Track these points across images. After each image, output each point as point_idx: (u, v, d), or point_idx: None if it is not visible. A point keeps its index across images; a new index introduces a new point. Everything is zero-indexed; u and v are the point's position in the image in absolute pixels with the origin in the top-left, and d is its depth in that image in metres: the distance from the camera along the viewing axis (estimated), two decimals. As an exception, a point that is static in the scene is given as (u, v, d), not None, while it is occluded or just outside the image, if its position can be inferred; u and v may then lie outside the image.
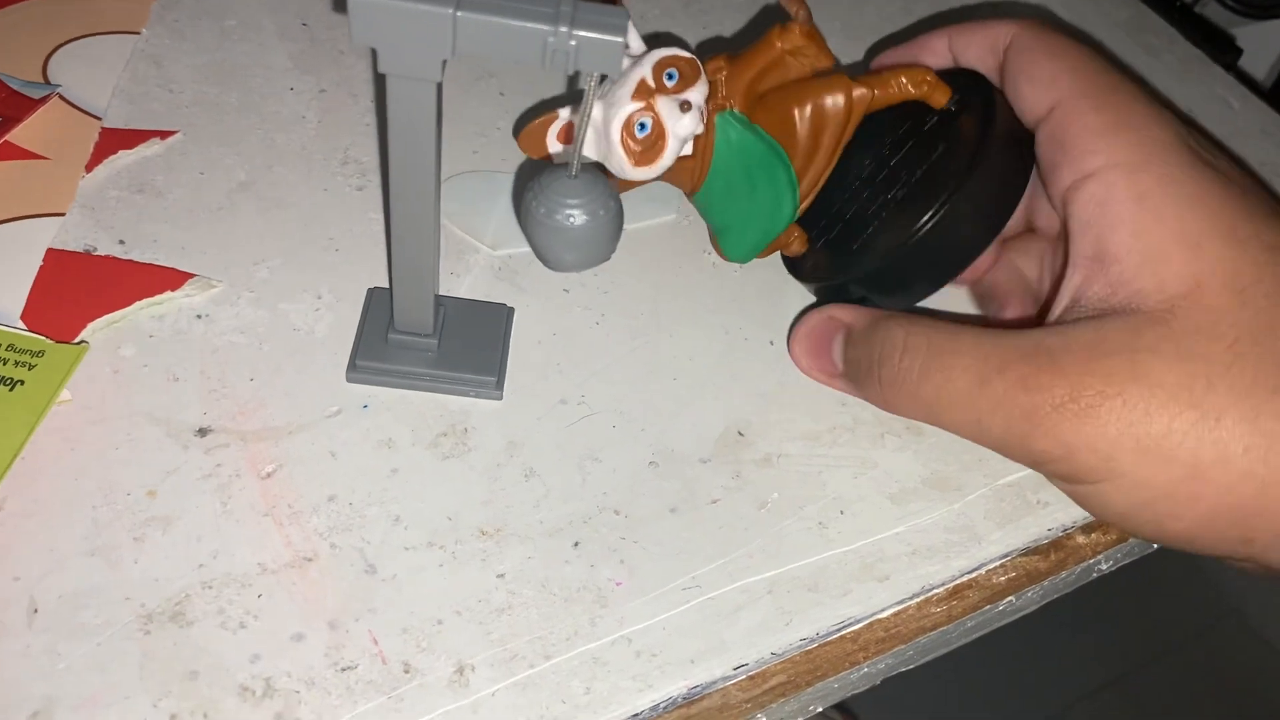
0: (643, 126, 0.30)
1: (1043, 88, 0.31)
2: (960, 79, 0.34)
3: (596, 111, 0.30)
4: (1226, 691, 1.12)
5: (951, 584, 0.31)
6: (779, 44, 0.33)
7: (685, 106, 0.30)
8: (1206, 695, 1.11)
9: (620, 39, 0.24)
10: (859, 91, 0.33)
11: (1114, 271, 0.28)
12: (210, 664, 0.26)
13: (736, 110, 0.33)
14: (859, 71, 0.36)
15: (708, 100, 0.32)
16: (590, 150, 0.31)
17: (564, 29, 0.24)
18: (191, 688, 0.26)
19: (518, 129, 0.32)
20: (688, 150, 0.32)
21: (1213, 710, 1.11)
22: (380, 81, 0.25)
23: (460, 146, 0.40)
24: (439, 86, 0.25)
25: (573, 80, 0.42)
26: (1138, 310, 0.27)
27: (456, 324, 0.33)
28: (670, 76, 0.31)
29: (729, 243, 0.35)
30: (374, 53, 0.24)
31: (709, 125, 0.32)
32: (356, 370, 0.32)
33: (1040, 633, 1.06)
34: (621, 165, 0.31)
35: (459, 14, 0.23)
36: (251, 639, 0.27)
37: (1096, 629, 1.13)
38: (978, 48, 0.34)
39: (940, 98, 0.33)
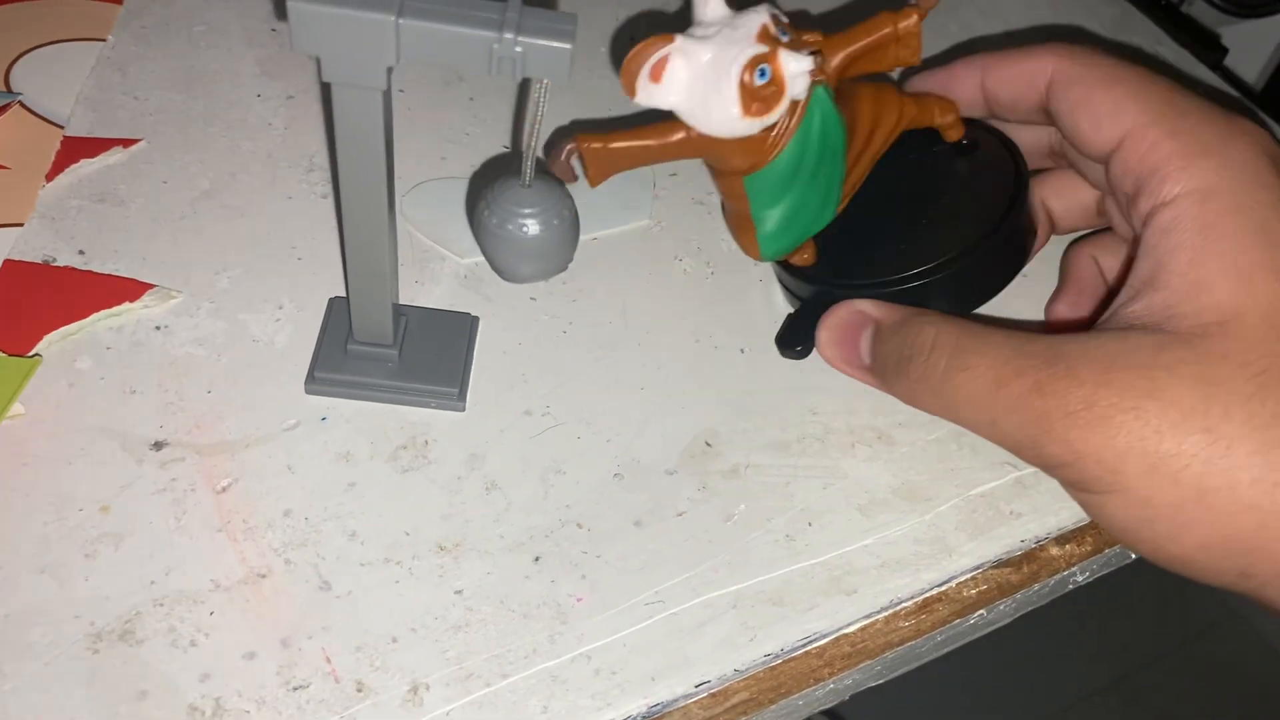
0: (763, 73, 0.28)
1: (1107, 121, 0.30)
2: (972, 121, 0.36)
3: (702, 51, 0.28)
4: (1225, 694, 1.11)
5: (920, 597, 0.30)
6: (893, 26, 0.31)
7: (805, 63, 0.29)
8: (1206, 698, 1.11)
9: (568, 45, 0.23)
10: (912, 110, 0.33)
11: (1160, 296, 0.28)
12: (159, 684, 0.26)
13: (831, 87, 0.31)
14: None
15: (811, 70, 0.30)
16: (680, 93, 0.28)
17: (509, 35, 0.23)
18: (140, 709, 0.26)
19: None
20: (772, 119, 0.30)
21: (1211, 713, 1.10)
22: (328, 89, 0.25)
23: (429, 152, 0.39)
24: (386, 94, 0.25)
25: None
26: (1168, 331, 0.27)
27: (419, 334, 0.33)
28: (783, 33, 0.29)
29: (768, 235, 0.33)
30: (318, 61, 0.24)
31: (806, 97, 0.30)
32: (315, 382, 0.32)
33: (1038, 634, 1.05)
34: (727, 111, 0.28)
35: (401, 21, 0.23)
36: (202, 658, 0.26)
37: (1096, 630, 1.12)
38: (1016, 83, 0.33)
39: (956, 134, 0.35)
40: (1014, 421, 0.28)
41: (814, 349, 0.33)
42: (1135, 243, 0.30)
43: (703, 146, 0.30)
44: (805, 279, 0.35)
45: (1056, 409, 0.27)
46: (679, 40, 0.28)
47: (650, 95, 0.28)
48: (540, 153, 0.28)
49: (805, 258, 0.34)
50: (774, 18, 0.29)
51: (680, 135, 0.29)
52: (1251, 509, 0.26)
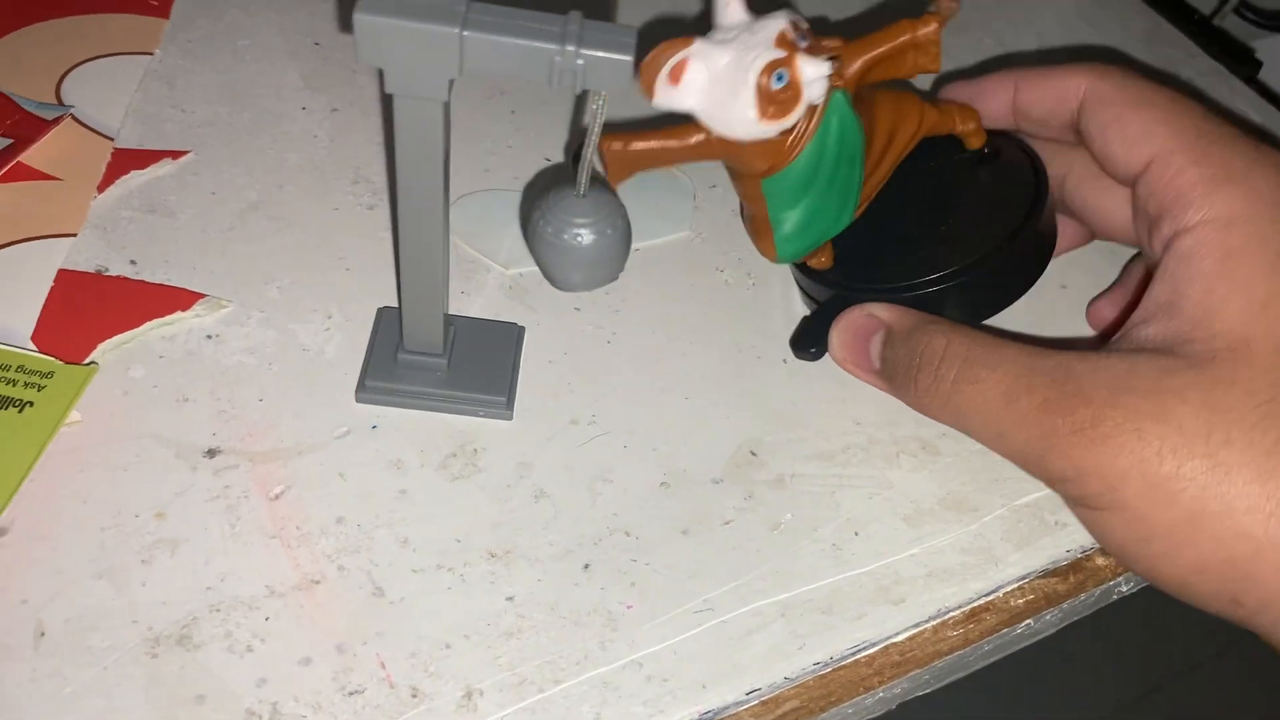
0: (780, 77, 0.29)
1: (1136, 143, 0.31)
2: (995, 131, 0.36)
3: (721, 56, 0.28)
4: (1260, 705, 1.10)
5: (968, 607, 0.30)
6: (912, 33, 0.32)
7: (823, 68, 0.29)
8: (1241, 709, 1.10)
9: (629, 58, 0.24)
10: (932, 117, 0.34)
11: (1174, 322, 0.28)
12: (216, 688, 0.26)
13: (849, 92, 0.31)
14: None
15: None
16: (698, 95, 0.29)
17: (571, 48, 0.24)
18: (198, 712, 0.26)
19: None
20: (789, 123, 0.30)
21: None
22: (388, 101, 0.25)
23: (472, 164, 0.39)
24: (446, 106, 0.25)
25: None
26: (1179, 356, 0.27)
27: (466, 343, 0.33)
28: (801, 39, 0.29)
29: (785, 237, 0.33)
30: (381, 73, 0.24)
31: (824, 101, 0.31)
32: (366, 390, 0.32)
33: (1078, 643, 1.05)
34: (745, 115, 0.29)
35: (465, 33, 0.23)
36: (258, 663, 0.27)
37: (1135, 639, 1.12)
38: (1048, 100, 0.34)
39: (978, 142, 0.35)
40: (1021, 436, 0.28)
41: (827, 351, 0.34)
42: (1155, 264, 0.30)
43: (721, 148, 0.30)
44: (822, 282, 0.35)
45: (1063, 426, 0.27)
46: (698, 44, 0.28)
47: (669, 97, 0.28)
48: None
49: (822, 260, 0.35)
50: (793, 24, 0.29)
51: (699, 137, 0.30)
52: (1245, 536, 0.26)
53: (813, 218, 0.33)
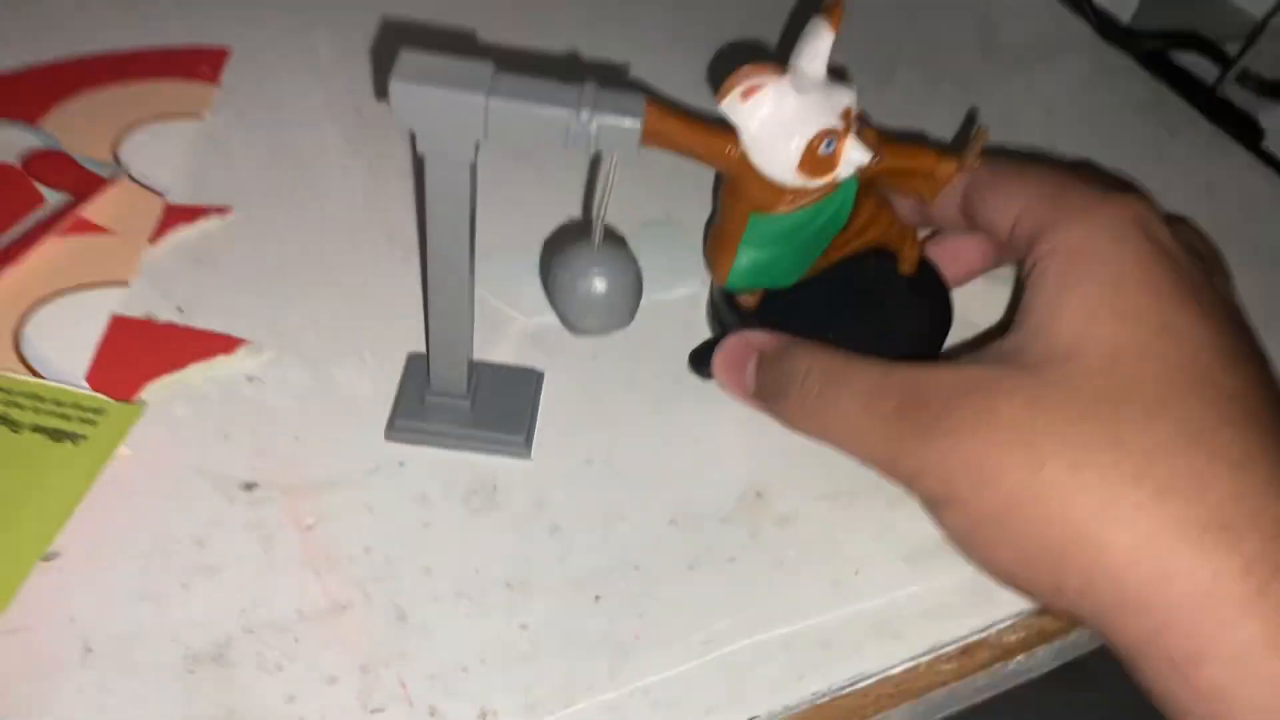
0: (829, 145, 0.31)
1: (1004, 205, 0.33)
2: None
3: (792, 100, 0.30)
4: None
5: (962, 642, 0.32)
6: (934, 169, 0.34)
7: (865, 157, 0.32)
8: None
9: (637, 124, 0.26)
10: (895, 233, 0.37)
11: (1018, 335, 0.30)
12: (248, 703, 0.28)
13: (859, 183, 0.34)
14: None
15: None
16: (755, 121, 0.31)
17: (585, 114, 0.26)
18: (230, 726, 0.28)
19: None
20: (813, 184, 0.32)
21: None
22: (420, 160, 0.27)
23: (498, 220, 0.41)
24: (473, 166, 0.27)
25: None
26: (1015, 363, 0.30)
27: (489, 387, 0.35)
28: (857, 120, 0.32)
29: (742, 270, 0.35)
30: (412, 134, 0.27)
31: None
32: (394, 429, 0.34)
33: (1075, 683, 1.04)
34: (787, 162, 0.31)
35: (490, 100, 0.26)
36: (288, 680, 0.28)
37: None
38: (945, 200, 0.36)
39: (909, 269, 0.38)
40: (876, 441, 0.31)
41: None
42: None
43: (739, 167, 0.32)
44: (738, 315, 0.37)
45: (908, 429, 0.30)
46: (779, 80, 0.30)
47: (733, 108, 0.31)
48: (606, 218, 0.30)
49: (750, 300, 0.37)
50: (860, 108, 0.32)
51: (729, 147, 0.32)
52: (1059, 523, 0.27)
53: (772, 265, 0.35)
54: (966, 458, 0.28)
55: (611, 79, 0.48)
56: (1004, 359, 0.30)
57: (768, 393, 0.34)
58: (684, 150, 0.32)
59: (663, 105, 0.30)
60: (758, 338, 0.35)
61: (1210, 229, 0.48)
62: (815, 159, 0.31)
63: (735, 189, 0.34)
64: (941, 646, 0.32)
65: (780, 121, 0.31)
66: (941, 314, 0.38)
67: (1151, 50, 0.58)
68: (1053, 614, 0.31)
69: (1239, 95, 0.57)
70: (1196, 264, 0.32)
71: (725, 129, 0.32)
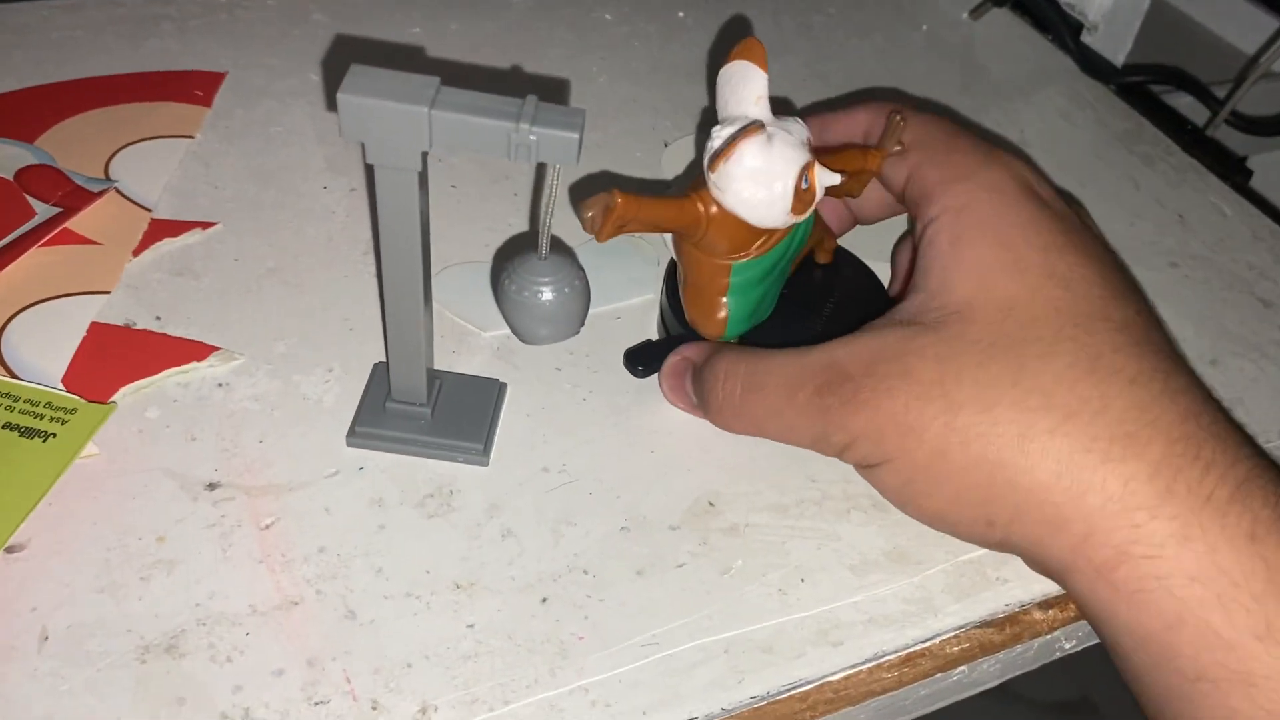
0: (806, 180, 0.33)
1: (899, 164, 0.36)
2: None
3: (764, 150, 0.32)
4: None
5: (904, 652, 0.32)
6: (863, 164, 0.36)
7: (833, 179, 0.33)
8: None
9: (575, 135, 0.27)
10: (820, 234, 0.39)
11: (919, 297, 0.32)
12: (197, 693, 0.29)
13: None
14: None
15: None
16: (747, 186, 0.32)
17: (525, 125, 0.27)
18: (178, 712, 0.28)
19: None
20: (800, 220, 0.34)
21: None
22: (371, 171, 0.28)
23: (475, 240, 0.43)
24: (421, 175, 0.29)
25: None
26: (920, 324, 0.31)
27: (451, 396, 0.36)
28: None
29: (739, 319, 0.36)
30: (363, 146, 0.28)
31: None
32: (355, 435, 0.35)
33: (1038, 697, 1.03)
34: (782, 208, 0.32)
35: (433, 112, 0.27)
36: (236, 672, 0.29)
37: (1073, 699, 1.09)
38: (843, 133, 0.38)
39: (826, 259, 0.40)
40: (804, 423, 0.32)
41: (652, 374, 0.37)
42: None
43: (716, 224, 0.33)
44: (686, 325, 0.37)
45: (833, 403, 0.31)
46: (754, 133, 0.31)
47: (721, 174, 0.32)
48: (552, 229, 0.31)
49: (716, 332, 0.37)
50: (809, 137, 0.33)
51: (703, 208, 0.33)
52: (981, 461, 0.29)
53: (760, 304, 0.36)
54: (891, 417, 0.30)
55: (553, 94, 0.50)
56: (910, 320, 0.32)
57: (702, 401, 0.35)
58: (660, 225, 0.33)
59: (630, 193, 0.31)
60: (689, 350, 0.36)
61: (1179, 258, 0.49)
62: (800, 196, 0.32)
63: (709, 245, 0.34)
64: (883, 655, 0.32)
65: (765, 171, 0.32)
66: (871, 279, 0.40)
67: (1132, 84, 0.58)
68: (989, 548, 0.33)
69: (1227, 134, 0.58)
70: (1073, 212, 0.34)
71: (688, 194, 0.33)
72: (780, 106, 0.34)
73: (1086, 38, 0.60)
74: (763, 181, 0.32)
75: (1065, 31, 0.60)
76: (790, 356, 0.33)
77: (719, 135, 0.32)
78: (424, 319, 0.32)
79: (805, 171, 0.32)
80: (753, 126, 0.32)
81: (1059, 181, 0.51)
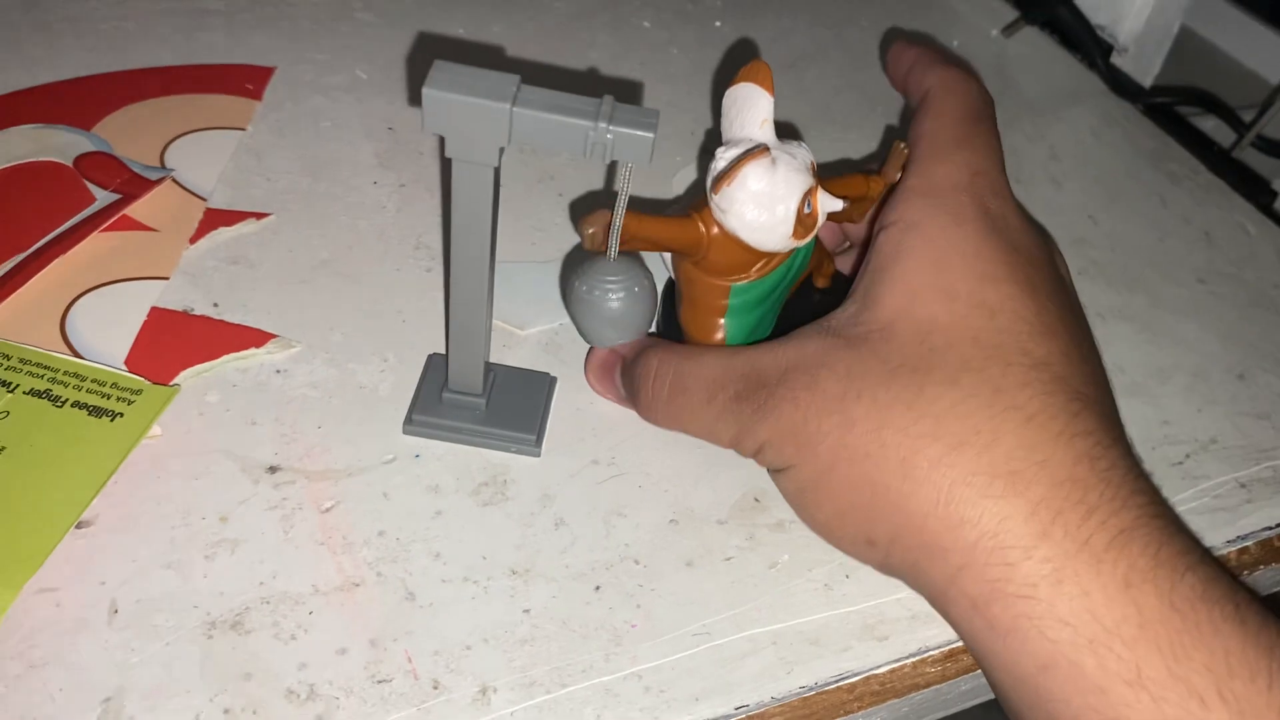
0: (809, 205, 0.33)
1: (910, 145, 0.35)
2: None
3: (769, 173, 0.32)
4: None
5: (947, 647, 0.33)
6: (867, 193, 0.36)
7: (835, 205, 0.33)
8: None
9: (650, 134, 0.28)
10: (820, 258, 0.39)
11: (851, 307, 0.32)
12: (262, 668, 0.30)
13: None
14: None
15: None
16: (750, 209, 0.32)
17: (602, 124, 0.28)
18: (244, 687, 0.29)
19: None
20: (801, 244, 0.34)
21: None
22: (447, 165, 0.29)
23: (521, 238, 0.44)
24: (497, 171, 0.29)
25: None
26: (844, 336, 0.31)
27: (504, 388, 0.37)
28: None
29: (736, 337, 0.36)
30: (441, 140, 0.29)
31: None
32: (412, 423, 0.36)
33: None
34: (784, 232, 0.33)
35: (515, 109, 0.28)
36: (300, 649, 0.30)
37: None
38: (912, 89, 0.38)
39: (824, 284, 0.40)
40: (723, 425, 0.33)
41: None
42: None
43: (716, 245, 0.33)
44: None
45: (747, 409, 0.32)
46: (760, 156, 0.32)
47: (725, 196, 0.32)
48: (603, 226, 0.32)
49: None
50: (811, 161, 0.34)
51: (703, 228, 0.33)
52: (866, 481, 0.30)
53: (758, 326, 0.36)
54: (792, 427, 0.31)
55: (627, 96, 0.51)
56: (834, 332, 0.32)
57: (631, 395, 0.36)
58: (661, 243, 0.34)
59: (636, 212, 0.32)
60: (623, 345, 0.37)
61: (1206, 274, 0.50)
62: (802, 220, 0.33)
63: (709, 265, 0.34)
64: (927, 650, 0.33)
65: (768, 194, 0.32)
66: None
67: (1160, 105, 0.60)
68: (874, 568, 0.32)
69: (1252, 157, 0.59)
70: (1034, 238, 0.34)
71: (689, 214, 0.33)
72: (785, 130, 0.34)
73: (1116, 59, 0.61)
74: (765, 205, 0.32)
75: (1096, 52, 0.61)
76: (716, 357, 0.33)
77: (723, 157, 0.32)
78: (487, 312, 0.33)
79: (808, 196, 0.33)
80: (758, 150, 0.32)
81: (1087, 196, 0.52)
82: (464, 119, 0.28)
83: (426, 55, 0.53)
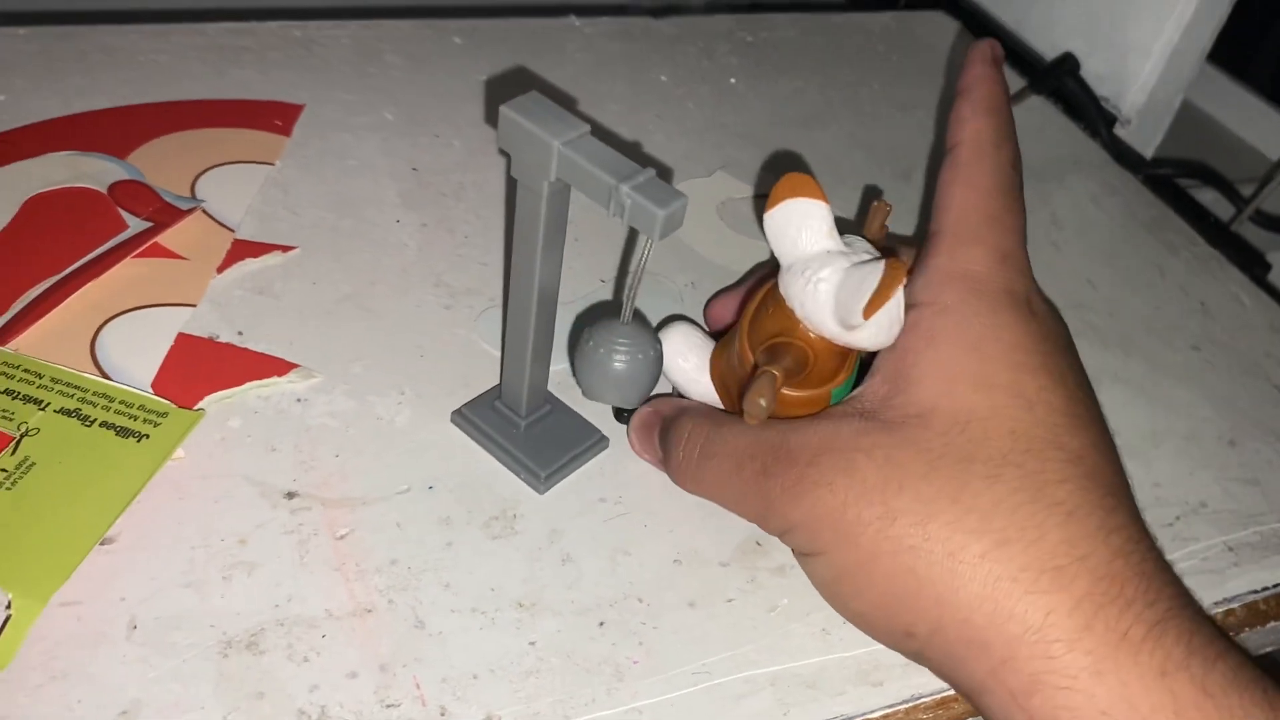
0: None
1: (938, 212, 0.35)
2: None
3: (836, 273, 0.32)
4: None
5: (940, 695, 0.34)
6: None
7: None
8: None
9: (661, 211, 0.29)
10: None
11: (884, 388, 0.33)
12: (275, 688, 0.30)
13: None
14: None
15: None
16: (899, 318, 0.32)
17: (625, 188, 0.29)
18: (257, 706, 0.30)
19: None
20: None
21: None
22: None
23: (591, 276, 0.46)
24: (549, 200, 0.31)
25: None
26: (879, 419, 0.32)
27: (551, 423, 0.38)
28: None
29: None
30: (508, 158, 0.31)
31: None
32: (459, 416, 0.38)
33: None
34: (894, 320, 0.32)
35: (562, 148, 0.30)
36: (312, 672, 0.31)
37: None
38: (953, 127, 0.37)
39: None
40: (748, 499, 0.33)
41: None
42: None
43: (824, 357, 0.33)
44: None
45: (776, 487, 0.32)
46: (899, 261, 0.31)
47: (889, 313, 0.32)
48: (636, 298, 0.33)
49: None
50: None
51: (810, 348, 0.33)
52: (909, 573, 0.30)
53: None
54: (829, 513, 0.31)
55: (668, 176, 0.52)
56: (868, 415, 0.32)
57: (665, 458, 0.37)
58: (805, 364, 0.33)
59: (775, 363, 0.32)
60: (662, 404, 0.38)
61: (1201, 342, 0.51)
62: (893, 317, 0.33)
63: (812, 380, 0.34)
64: (920, 697, 0.34)
65: (852, 289, 0.31)
66: None
67: (1160, 176, 0.61)
68: (905, 656, 0.33)
69: (1249, 230, 0.61)
70: (1057, 321, 0.34)
71: (791, 340, 0.33)
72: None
73: (1119, 130, 0.63)
74: (896, 309, 0.33)
75: (1100, 122, 0.63)
76: (748, 428, 0.33)
77: (863, 277, 0.31)
78: (534, 334, 0.34)
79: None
80: (894, 263, 0.31)
81: (1087, 261, 0.54)
82: (522, 143, 0.30)
83: (451, 100, 0.55)
